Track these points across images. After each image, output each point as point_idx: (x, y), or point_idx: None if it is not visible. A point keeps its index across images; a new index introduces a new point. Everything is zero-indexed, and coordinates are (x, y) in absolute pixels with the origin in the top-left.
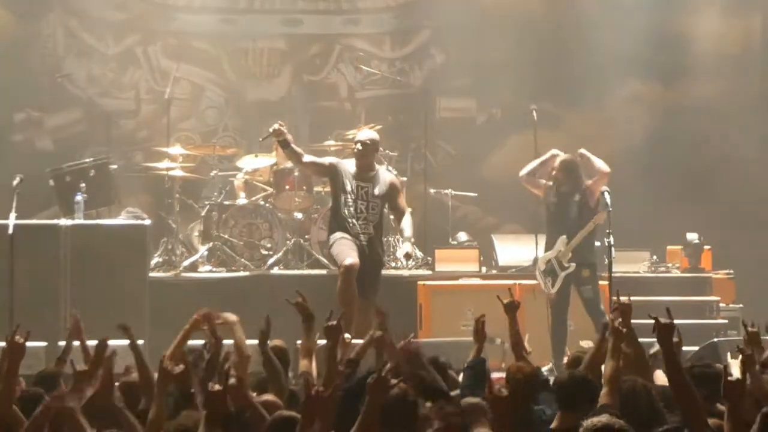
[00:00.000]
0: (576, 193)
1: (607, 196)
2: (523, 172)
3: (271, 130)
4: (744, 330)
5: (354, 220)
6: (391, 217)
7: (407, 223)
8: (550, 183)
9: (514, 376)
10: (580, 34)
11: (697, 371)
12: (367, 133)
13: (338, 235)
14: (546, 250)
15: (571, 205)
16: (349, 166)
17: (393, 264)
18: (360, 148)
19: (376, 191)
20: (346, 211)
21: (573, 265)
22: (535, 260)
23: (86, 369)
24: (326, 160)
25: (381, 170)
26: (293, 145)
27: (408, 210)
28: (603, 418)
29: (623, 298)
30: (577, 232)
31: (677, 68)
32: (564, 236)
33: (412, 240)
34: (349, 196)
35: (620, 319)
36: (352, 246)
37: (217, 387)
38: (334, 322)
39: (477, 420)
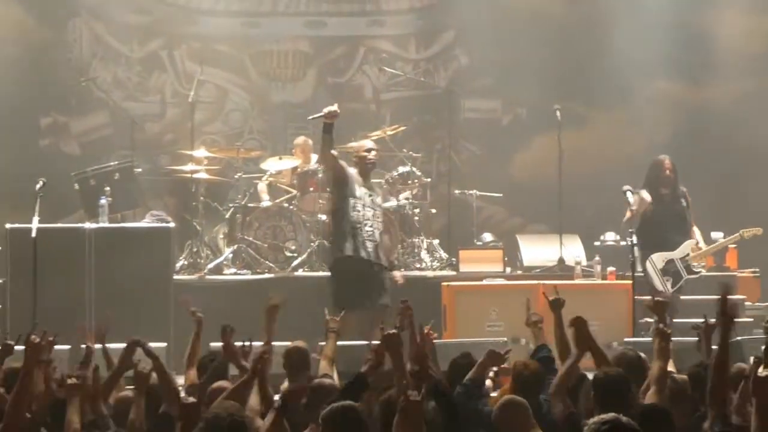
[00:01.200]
0: (681, 198)
1: (629, 195)
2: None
3: (326, 111)
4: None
5: (363, 226)
6: (416, 218)
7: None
8: (644, 192)
9: (521, 373)
10: (604, 34)
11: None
12: (372, 143)
13: (349, 264)
14: (654, 249)
15: (681, 209)
16: (353, 172)
17: (417, 265)
18: (375, 157)
19: (379, 200)
20: (355, 215)
21: (702, 271)
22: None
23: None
24: (341, 161)
25: (375, 183)
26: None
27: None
28: (609, 416)
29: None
30: (686, 236)
31: (703, 67)
32: (693, 240)
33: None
34: (358, 202)
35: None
36: (353, 292)
37: (191, 399)
38: (393, 331)
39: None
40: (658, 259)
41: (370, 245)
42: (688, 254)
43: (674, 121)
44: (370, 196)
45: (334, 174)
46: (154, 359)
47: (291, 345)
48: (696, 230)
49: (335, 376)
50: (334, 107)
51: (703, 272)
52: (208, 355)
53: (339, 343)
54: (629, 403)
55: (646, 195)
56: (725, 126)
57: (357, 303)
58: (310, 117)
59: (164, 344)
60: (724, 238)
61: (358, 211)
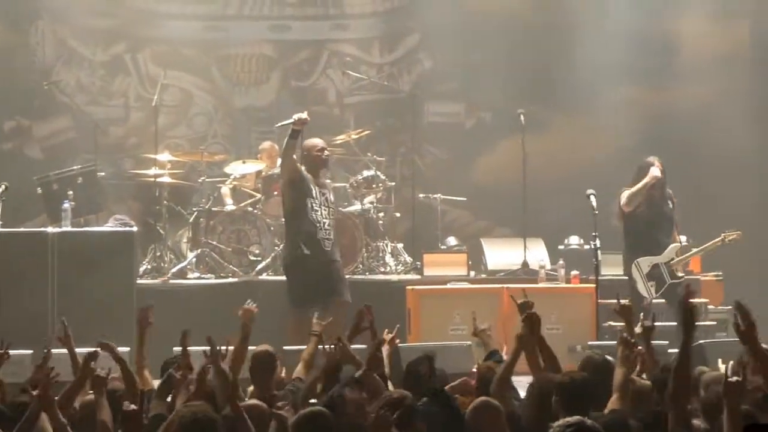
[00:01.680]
0: (668, 201)
1: (593, 199)
2: (627, 204)
3: (295, 117)
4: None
5: (321, 225)
6: (380, 222)
7: None
8: (633, 191)
9: (485, 375)
10: (568, 38)
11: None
12: (320, 141)
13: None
14: (642, 254)
15: (668, 212)
16: (306, 172)
17: (382, 269)
18: (329, 155)
19: (332, 197)
20: (313, 216)
21: (685, 276)
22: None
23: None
24: (302, 182)
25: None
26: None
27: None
28: (574, 419)
29: (623, 301)
30: (672, 239)
31: (666, 72)
32: (677, 244)
33: None
34: (315, 202)
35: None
36: (310, 288)
37: (132, 406)
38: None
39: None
40: (645, 263)
41: (327, 243)
42: (672, 258)
43: (638, 126)
44: (324, 194)
45: (291, 177)
46: (120, 363)
47: (258, 349)
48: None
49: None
50: (304, 115)
51: (684, 277)
52: (171, 359)
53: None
54: (594, 407)
55: (656, 171)
56: (689, 130)
57: (318, 300)
58: (278, 125)
59: (127, 348)
60: (687, 242)
61: (316, 211)
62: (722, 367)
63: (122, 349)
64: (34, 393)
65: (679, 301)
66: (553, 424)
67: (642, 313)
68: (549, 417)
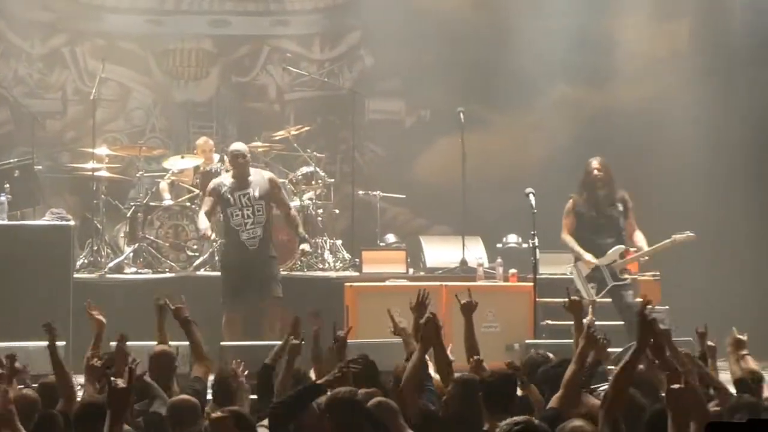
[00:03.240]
0: (617, 202)
1: (532, 198)
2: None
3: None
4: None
5: (243, 228)
6: (319, 219)
7: (297, 220)
8: (575, 196)
9: (399, 376)
10: (508, 37)
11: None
12: (240, 146)
13: (228, 261)
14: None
15: (618, 215)
16: (225, 180)
17: (320, 265)
18: (241, 161)
19: (257, 193)
20: (233, 222)
21: (630, 278)
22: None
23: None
24: (209, 194)
25: (255, 173)
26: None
27: (293, 204)
28: (522, 418)
29: (574, 297)
30: (621, 242)
31: (605, 72)
32: (621, 246)
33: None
34: (234, 209)
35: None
36: (237, 288)
37: (121, 384)
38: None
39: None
40: (583, 265)
41: (253, 242)
42: (615, 260)
43: (577, 125)
44: (246, 195)
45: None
46: (53, 355)
47: (157, 349)
48: (639, 235)
49: None
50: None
51: (629, 279)
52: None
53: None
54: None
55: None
56: (628, 130)
57: (244, 295)
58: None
59: (63, 343)
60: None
61: (237, 216)
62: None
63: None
64: None
65: (637, 312)
66: (501, 423)
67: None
68: (472, 415)
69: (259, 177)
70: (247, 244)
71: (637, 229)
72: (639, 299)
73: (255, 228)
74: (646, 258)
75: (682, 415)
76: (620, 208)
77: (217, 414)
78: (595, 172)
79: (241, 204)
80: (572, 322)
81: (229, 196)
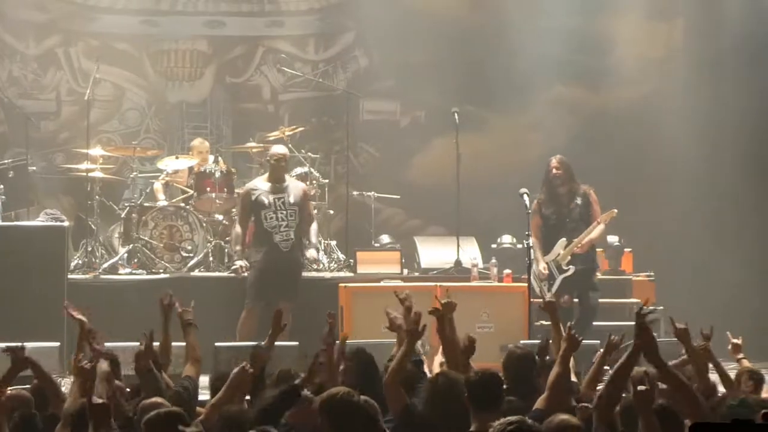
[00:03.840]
0: (577, 196)
1: (526, 198)
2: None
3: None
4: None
5: (278, 230)
6: None
7: (314, 231)
8: (540, 196)
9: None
10: (504, 37)
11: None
12: (282, 149)
13: (258, 261)
14: (544, 255)
15: (574, 209)
16: (259, 183)
17: (315, 266)
18: (283, 164)
19: (291, 199)
20: (267, 225)
21: (572, 268)
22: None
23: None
24: (243, 205)
25: (290, 179)
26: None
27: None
28: (515, 418)
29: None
30: (577, 235)
31: (601, 72)
32: (564, 239)
33: (319, 245)
34: (269, 211)
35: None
36: (264, 284)
37: (100, 400)
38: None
39: None
40: (536, 265)
41: (287, 245)
42: (559, 253)
43: (573, 125)
44: (281, 199)
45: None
46: (33, 365)
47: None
48: (594, 227)
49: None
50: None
51: (572, 269)
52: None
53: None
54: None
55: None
56: (624, 130)
57: (270, 293)
58: None
59: (57, 344)
60: (620, 242)
61: (272, 219)
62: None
63: (52, 344)
64: None
65: (636, 313)
66: (494, 423)
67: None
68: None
69: (294, 184)
70: (280, 246)
71: (598, 221)
72: (637, 300)
73: (288, 231)
74: (590, 246)
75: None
76: (579, 202)
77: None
78: (554, 171)
79: (275, 207)
80: (571, 323)
81: (265, 198)
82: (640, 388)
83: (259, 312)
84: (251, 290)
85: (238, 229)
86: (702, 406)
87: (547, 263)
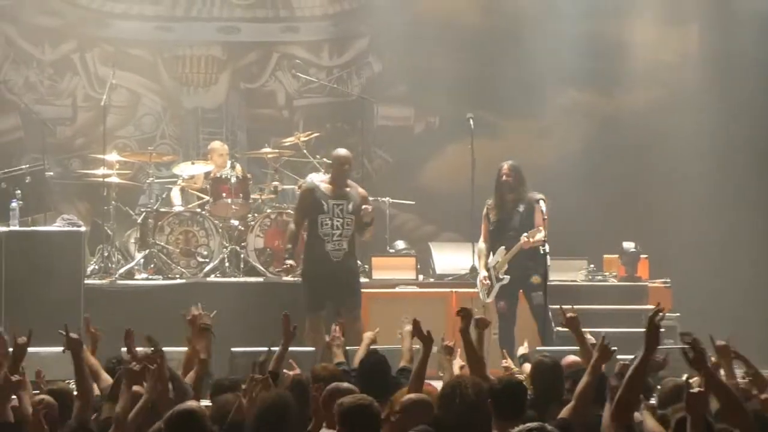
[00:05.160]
0: (521, 203)
1: (543, 204)
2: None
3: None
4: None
5: (330, 238)
6: None
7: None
8: (490, 201)
9: (320, 374)
10: (517, 43)
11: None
12: (345, 152)
13: (309, 271)
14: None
15: (515, 216)
16: (320, 185)
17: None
18: (346, 168)
19: (350, 207)
20: (321, 231)
21: (507, 277)
22: (473, 269)
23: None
24: (301, 202)
25: (352, 186)
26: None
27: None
28: (535, 424)
29: (569, 313)
30: (514, 243)
31: (614, 77)
32: (503, 247)
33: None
34: (326, 216)
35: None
36: (318, 294)
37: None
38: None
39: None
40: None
41: (338, 254)
42: (498, 261)
43: (586, 130)
44: (340, 206)
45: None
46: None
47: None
48: (533, 233)
49: None
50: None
51: (506, 278)
52: (114, 360)
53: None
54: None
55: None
56: (637, 135)
57: (325, 304)
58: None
59: None
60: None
61: (327, 225)
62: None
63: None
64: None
65: (649, 317)
66: (512, 430)
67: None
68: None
69: (355, 192)
70: (331, 255)
71: (537, 229)
72: (651, 306)
73: (341, 240)
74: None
75: (700, 420)
76: (521, 209)
77: None
78: (504, 177)
79: (333, 214)
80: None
81: (324, 203)
82: (694, 390)
83: (320, 322)
84: (307, 301)
85: (292, 226)
86: (749, 416)
87: (488, 270)
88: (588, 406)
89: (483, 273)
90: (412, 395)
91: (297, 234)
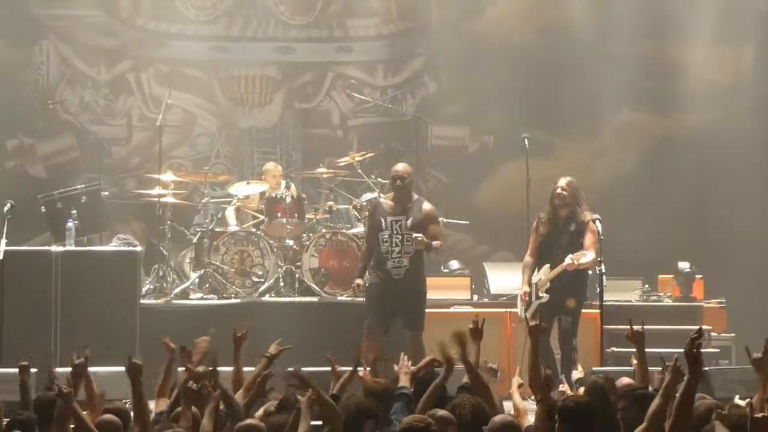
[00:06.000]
0: (572, 222)
1: (599, 224)
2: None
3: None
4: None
5: (390, 255)
6: None
7: (437, 244)
8: (542, 214)
9: (371, 389)
10: (572, 63)
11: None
12: (398, 167)
13: (373, 285)
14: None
15: (564, 234)
16: (383, 201)
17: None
18: (399, 184)
19: (409, 223)
20: (382, 248)
21: (546, 296)
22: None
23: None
24: (368, 220)
25: (417, 201)
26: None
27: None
28: None
29: (636, 327)
30: (559, 262)
31: (669, 97)
32: (548, 265)
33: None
34: (385, 233)
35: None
36: (377, 310)
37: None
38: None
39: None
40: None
41: (398, 272)
42: (541, 278)
43: (640, 151)
44: (398, 221)
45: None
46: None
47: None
48: (580, 255)
49: None
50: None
51: (545, 297)
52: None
53: None
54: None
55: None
56: (692, 156)
57: (384, 324)
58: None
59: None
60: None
61: (385, 242)
62: (739, 402)
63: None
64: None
65: (687, 343)
66: None
67: None
68: None
69: (417, 207)
70: (392, 273)
71: (586, 251)
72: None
73: (401, 258)
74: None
75: None
76: (572, 228)
77: None
78: (559, 190)
79: (391, 230)
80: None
81: (382, 219)
82: (759, 415)
83: (378, 338)
84: (367, 314)
85: (365, 244)
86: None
87: (530, 286)
88: (660, 427)
89: (525, 288)
90: (498, 417)
91: (366, 252)
